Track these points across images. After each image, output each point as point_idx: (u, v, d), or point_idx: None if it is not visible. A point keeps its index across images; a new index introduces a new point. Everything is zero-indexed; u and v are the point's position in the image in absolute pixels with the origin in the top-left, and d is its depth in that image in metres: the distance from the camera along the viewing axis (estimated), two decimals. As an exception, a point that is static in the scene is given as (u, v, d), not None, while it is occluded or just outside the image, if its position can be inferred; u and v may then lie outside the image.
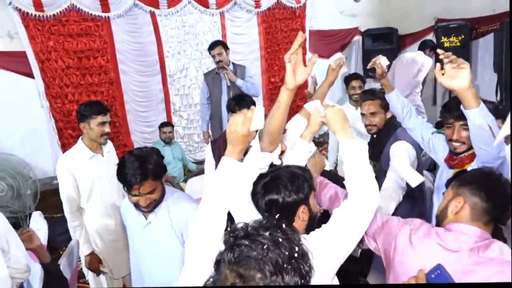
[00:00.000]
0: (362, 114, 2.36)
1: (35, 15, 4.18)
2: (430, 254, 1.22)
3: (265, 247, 0.75)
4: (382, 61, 2.20)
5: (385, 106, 2.25)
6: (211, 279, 0.80)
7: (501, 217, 1.26)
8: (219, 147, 2.12)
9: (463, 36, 4.94)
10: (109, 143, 2.42)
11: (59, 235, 3.23)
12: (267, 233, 0.77)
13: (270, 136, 1.42)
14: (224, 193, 1.18)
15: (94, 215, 2.29)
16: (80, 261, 2.42)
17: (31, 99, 4.35)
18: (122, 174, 1.62)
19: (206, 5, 5.07)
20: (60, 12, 4.30)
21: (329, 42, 6.07)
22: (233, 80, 3.67)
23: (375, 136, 2.38)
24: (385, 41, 5.79)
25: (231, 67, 3.76)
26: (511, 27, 3.79)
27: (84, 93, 4.59)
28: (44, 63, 4.32)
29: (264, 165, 1.42)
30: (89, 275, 2.45)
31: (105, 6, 4.52)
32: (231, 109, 2.30)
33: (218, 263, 0.79)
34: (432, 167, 2.95)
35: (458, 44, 4.97)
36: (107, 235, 2.35)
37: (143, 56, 4.91)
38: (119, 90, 4.83)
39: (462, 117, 1.58)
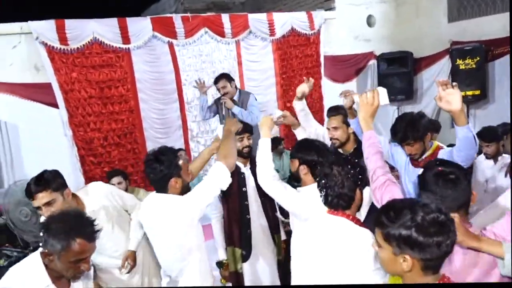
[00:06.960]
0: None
1: (60, 48, 4.41)
2: None
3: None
4: (355, 98, 2.25)
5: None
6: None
7: None
8: None
9: (478, 58, 4.93)
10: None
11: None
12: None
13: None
14: None
15: None
16: None
17: (55, 128, 4.53)
18: None
19: (222, 34, 5.23)
20: (84, 45, 4.53)
21: (344, 66, 6.13)
22: (229, 107, 3.94)
23: None
24: (400, 64, 5.80)
25: (237, 94, 4.13)
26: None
27: (105, 121, 4.76)
28: (68, 94, 4.52)
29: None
30: None
31: (125, 38, 4.73)
32: None
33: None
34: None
35: (473, 66, 4.95)
36: None
37: (161, 84, 5.08)
38: (139, 118, 4.97)
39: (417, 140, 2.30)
